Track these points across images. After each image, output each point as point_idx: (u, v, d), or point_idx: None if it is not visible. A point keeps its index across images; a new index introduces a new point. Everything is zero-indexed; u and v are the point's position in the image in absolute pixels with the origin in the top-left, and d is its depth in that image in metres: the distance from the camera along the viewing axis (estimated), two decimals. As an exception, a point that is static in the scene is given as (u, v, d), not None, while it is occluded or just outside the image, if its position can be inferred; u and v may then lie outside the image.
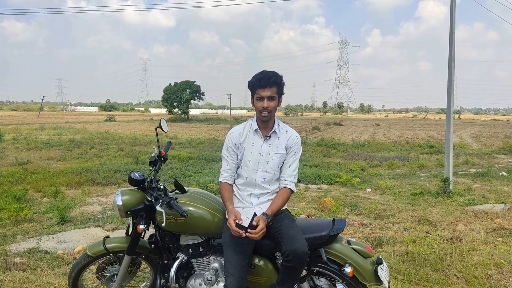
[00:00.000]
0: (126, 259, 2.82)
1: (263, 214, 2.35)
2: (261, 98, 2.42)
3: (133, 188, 2.74)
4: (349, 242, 2.53)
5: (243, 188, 2.55)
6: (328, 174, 9.47)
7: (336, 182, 9.00)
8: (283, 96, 2.52)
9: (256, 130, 2.53)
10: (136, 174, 2.69)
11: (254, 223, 2.30)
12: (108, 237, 2.92)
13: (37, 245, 4.51)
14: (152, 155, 2.79)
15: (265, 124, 2.52)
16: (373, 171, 10.94)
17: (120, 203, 2.63)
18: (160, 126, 2.87)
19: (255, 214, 2.45)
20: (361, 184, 8.78)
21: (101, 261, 2.93)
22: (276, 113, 2.56)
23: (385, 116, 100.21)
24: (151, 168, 2.77)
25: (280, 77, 2.45)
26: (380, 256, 2.49)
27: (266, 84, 2.39)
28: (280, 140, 2.52)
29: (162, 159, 2.80)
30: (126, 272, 2.92)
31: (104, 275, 2.95)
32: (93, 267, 3.00)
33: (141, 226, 2.61)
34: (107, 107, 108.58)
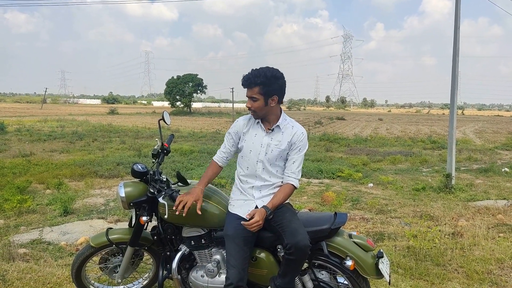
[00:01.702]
0: (129, 250, 2.85)
1: (263, 207, 2.38)
2: (248, 97, 2.45)
3: (136, 180, 2.75)
4: (350, 236, 2.54)
5: (244, 180, 2.56)
6: (330, 169, 9.47)
7: (338, 176, 9.00)
8: (278, 94, 2.43)
9: (258, 122, 2.54)
10: (139, 166, 2.71)
11: (248, 216, 2.33)
12: (111, 228, 2.95)
13: (40, 236, 4.55)
14: (155, 147, 2.81)
15: (267, 118, 2.52)
16: (375, 166, 10.93)
17: (123, 194, 2.66)
18: (163, 119, 2.89)
19: (257, 207, 2.46)
20: (363, 179, 8.78)
21: (104, 252, 2.96)
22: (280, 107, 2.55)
23: (388, 111, 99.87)
24: (153, 160, 2.79)
25: (266, 76, 2.37)
26: (381, 250, 2.51)
27: (247, 85, 2.42)
28: (284, 135, 2.51)
29: (165, 151, 2.82)
30: (129, 264, 2.95)
31: (107, 266, 2.98)
32: (96, 258, 3.03)
33: (144, 218, 2.64)
34: (110, 99, 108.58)
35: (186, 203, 2.36)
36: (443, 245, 4.35)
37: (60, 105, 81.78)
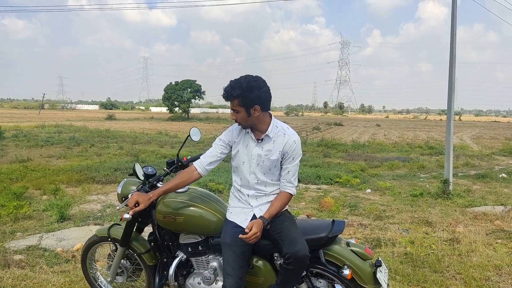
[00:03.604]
0: (120, 250, 2.88)
1: (260, 217, 2.34)
2: (231, 109, 2.43)
3: (141, 180, 2.78)
4: (348, 244, 2.52)
5: (241, 189, 2.53)
6: (328, 174, 9.47)
7: (336, 182, 9.00)
8: (259, 103, 2.34)
9: (248, 132, 2.49)
10: (149, 169, 2.80)
11: (246, 229, 2.27)
12: (118, 224, 2.98)
13: (37, 243, 4.52)
14: (177, 160, 2.87)
15: (257, 127, 2.45)
16: (373, 172, 10.94)
17: (119, 189, 2.80)
18: (189, 136, 2.92)
19: (254, 216, 2.44)
20: (361, 184, 8.78)
21: (113, 248, 3.00)
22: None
23: (386, 117, 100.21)
24: (165, 168, 2.85)
25: (243, 88, 2.30)
26: (380, 258, 2.48)
27: (226, 98, 2.39)
28: (275, 144, 2.43)
29: (179, 163, 2.84)
30: (120, 264, 2.96)
31: (109, 262, 3.05)
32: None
33: (125, 215, 2.58)
34: (108, 105, 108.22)
35: (133, 201, 2.42)
36: (441, 252, 4.34)
37: (58, 110, 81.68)
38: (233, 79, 2.37)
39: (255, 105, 2.34)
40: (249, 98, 2.32)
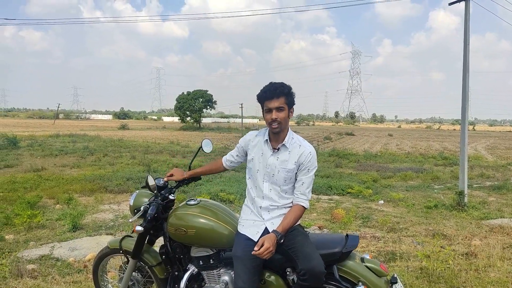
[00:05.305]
0: (131, 262, 2.86)
1: (273, 231, 2.30)
2: (269, 110, 2.38)
3: (153, 192, 2.78)
4: (362, 260, 2.46)
5: (253, 198, 2.52)
6: (339, 185, 9.37)
7: (348, 193, 8.90)
8: (294, 107, 2.47)
9: (266, 140, 2.49)
10: (161, 181, 2.81)
11: (256, 248, 2.21)
12: (129, 236, 2.96)
13: (49, 252, 4.54)
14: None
15: (276, 136, 2.46)
16: (386, 183, 10.80)
17: (132, 201, 2.80)
18: (201, 147, 2.98)
19: (266, 229, 2.41)
20: (374, 195, 8.66)
21: (125, 260, 2.98)
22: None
23: (398, 127, 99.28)
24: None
25: (288, 88, 2.40)
26: (396, 275, 2.42)
27: (273, 95, 2.36)
28: (291, 154, 2.43)
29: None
30: (131, 277, 2.94)
31: (120, 274, 3.04)
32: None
33: (137, 228, 2.58)
34: (121, 115, 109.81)
35: (169, 173, 2.82)
36: (457, 266, 4.24)
37: (72, 120, 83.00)
38: (271, 82, 2.44)
39: (292, 107, 2.45)
40: (292, 99, 2.43)
